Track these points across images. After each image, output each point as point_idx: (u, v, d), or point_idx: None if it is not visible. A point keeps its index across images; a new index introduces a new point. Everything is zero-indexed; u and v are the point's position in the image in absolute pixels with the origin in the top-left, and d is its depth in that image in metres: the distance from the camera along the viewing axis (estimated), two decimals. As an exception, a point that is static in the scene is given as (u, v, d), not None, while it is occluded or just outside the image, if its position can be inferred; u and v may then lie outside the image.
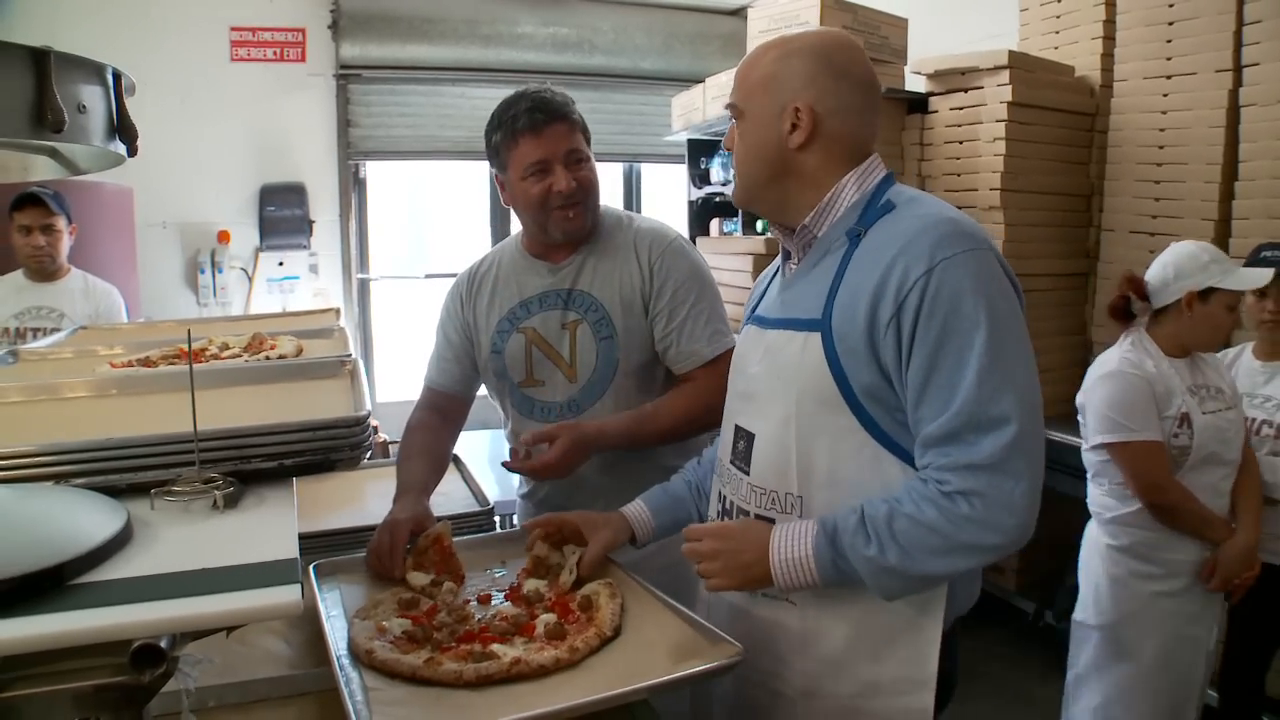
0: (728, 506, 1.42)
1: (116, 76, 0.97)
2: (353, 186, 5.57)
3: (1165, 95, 3.39)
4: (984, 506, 1.14)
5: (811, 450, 1.28)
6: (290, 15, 5.22)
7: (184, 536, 1.06)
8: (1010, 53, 3.54)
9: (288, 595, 0.87)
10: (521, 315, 1.94)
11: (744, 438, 1.38)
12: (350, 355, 1.86)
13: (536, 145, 1.79)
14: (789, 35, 1.34)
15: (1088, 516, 2.67)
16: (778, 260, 1.52)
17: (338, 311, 2.73)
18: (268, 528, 1.08)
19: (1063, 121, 3.71)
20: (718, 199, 5.43)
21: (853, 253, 1.26)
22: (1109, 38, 3.68)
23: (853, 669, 1.30)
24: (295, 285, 5.35)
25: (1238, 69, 3.16)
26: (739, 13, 6.21)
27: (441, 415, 2.02)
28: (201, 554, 0.99)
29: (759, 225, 4.90)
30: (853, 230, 1.28)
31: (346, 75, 5.40)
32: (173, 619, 0.84)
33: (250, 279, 5.26)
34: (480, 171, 5.97)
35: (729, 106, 1.38)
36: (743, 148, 1.36)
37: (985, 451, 1.14)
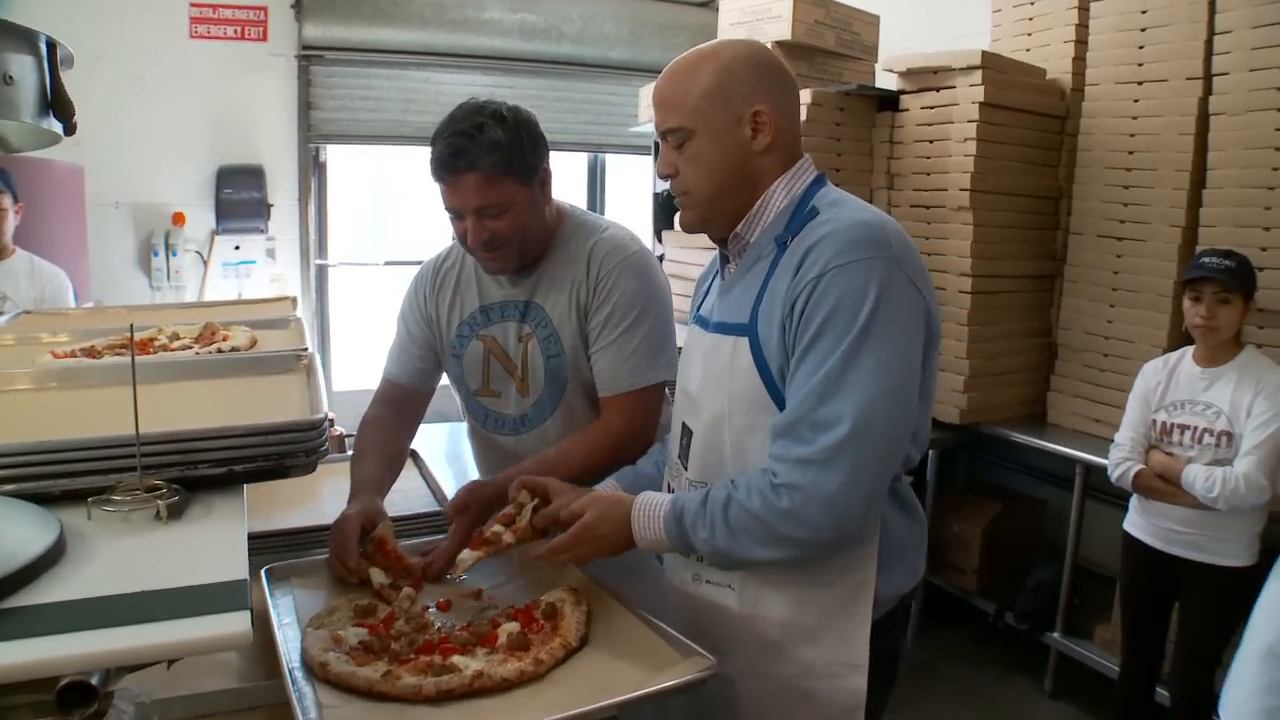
0: None
1: (51, 46, 0.87)
2: (312, 170, 5.42)
3: (1136, 101, 3.37)
4: (803, 501, 1.18)
5: (744, 448, 1.32)
6: (252, -8, 5.06)
7: (123, 552, 0.96)
8: (983, 53, 3.50)
9: (236, 625, 0.79)
10: (481, 322, 1.87)
11: (687, 434, 1.43)
12: (306, 350, 1.77)
13: (448, 193, 1.68)
14: (707, 49, 1.34)
15: (1049, 518, 2.67)
16: (716, 259, 1.53)
17: (294, 301, 2.61)
18: (215, 543, 0.99)
19: (1033, 123, 3.69)
20: (684, 192, 5.36)
21: (779, 259, 1.28)
22: (1081, 41, 3.65)
23: (790, 651, 1.34)
24: (252, 270, 5.18)
25: (1208, 77, 3.14)
26: (708, 4, 6.14)
27: (398, 410, 1.94)
28: (141, 574, 0.90)
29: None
30: (780, 237, 1.30)
31: (309, 56, 5.24)
32: (106, 653, 0.75)
33: (205, 263, 5.09)
34: None
35: (669, 132, 1.34)
36: (699, 168, 1.33)
37: (813, 448, 1.17)
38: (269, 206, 5.19)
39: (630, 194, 6.36)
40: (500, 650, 1.29)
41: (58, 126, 0.92)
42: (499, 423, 1.90)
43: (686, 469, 1.43)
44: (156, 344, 1.94)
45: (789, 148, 1.36)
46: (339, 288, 5.68)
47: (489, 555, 1.43)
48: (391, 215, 6.21)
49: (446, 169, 1.64)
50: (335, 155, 5.60)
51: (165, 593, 0.85)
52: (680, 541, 1.31)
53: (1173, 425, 2.72)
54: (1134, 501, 2.85)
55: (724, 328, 1.36)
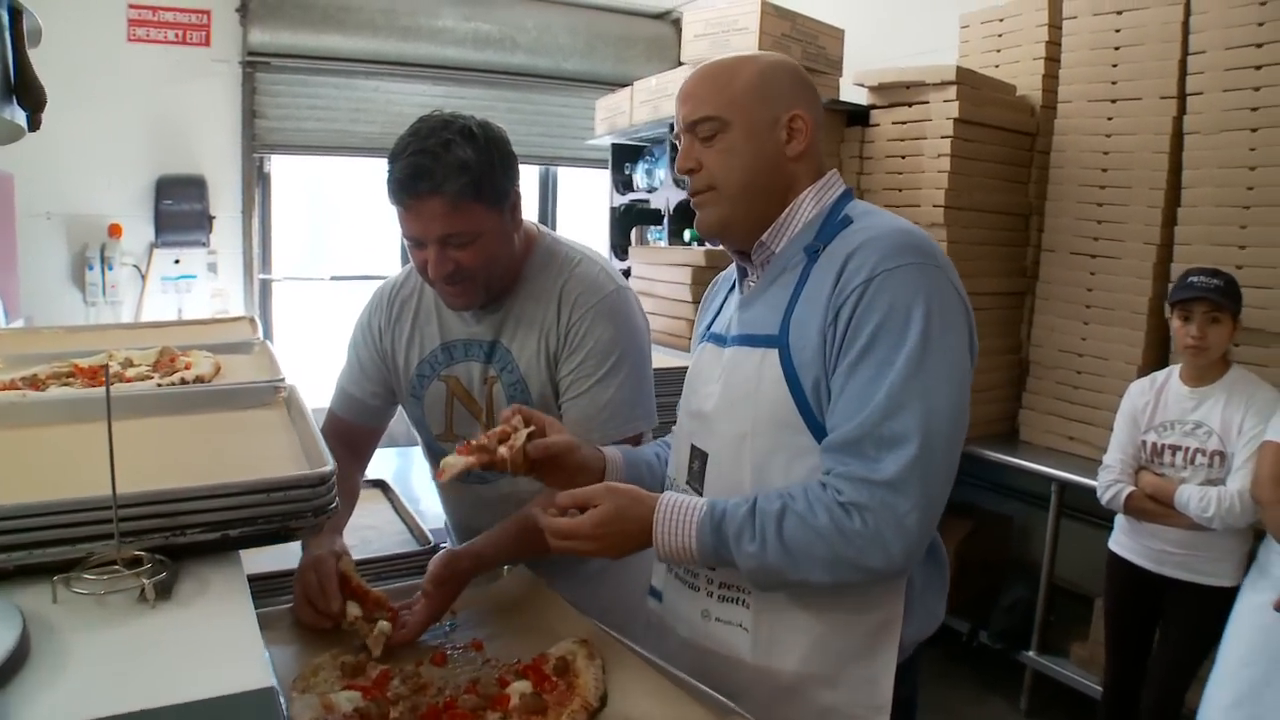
0: None
1: (14, 13, 0.67)
2: (256, 181, 5.18)
3: (1109, 119, 3.33)
4: (877, 525, 1.10)
5: (767, 469, 1.23)
6: (195, -5, 4.79)
7: (103, 651, 0.77)
8: (958, 69, 3.44)
9: (267, 758, 0.61)
10: (444, 360, 1.70)
11: (699, 457, 1.34)
12: (283, 380, 1.56)
13: (408, 219, 1.49)
14: (742, 55, 1.30)
15: (1019, 535, 2.67)
16: (728, 274, 1.48)
17: (254, 321, 2.39)
18: (220, 632, 0.80)
19: (1005, 140, 3.64)
20: (641, 206, 5.23)
21: (810, 269, 1.23)
22: (1051, 59, 3.62)
23: (808, 695, 1.25)
24: (192, 285, 4.90)
25: (1182, 97, 3.12)
26: (664, 17, 6.04)
27: (348, 447, 1.77)
28: (131, 683, 0.70)
29: (686, 235, 4.73)
30: (811, 246, 1.24)
31: (254, 63, 4.99)
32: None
33: (144, 277, 4.78)
34: None
35: (700, 122, 1.27)
36: (731, 162, 1.26)
37: (883, 468, 1.10)
38: (211, 219, 4.94)
39: (584, 208, 6.21)
40: (514, 713, 1.17)
41: (20, 117, 0.72)
42: (465, 471, 1.73)
43: (702, 493, 1.32)
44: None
45: (817, 161, 1.32)
46: (283, 303, 5.43)
47: (480, 464, 1.28)
48: (337, 228, 5.98)
49: (407, 192, 1.45)
50: (280, 166, 5.37)
51: (168, 713, 0.66)
52: (714, 553, 1.19)
53: (1163, 446, 2.68)
54: (1120, 521, 2.81)
55: (749, 340, 1.27)
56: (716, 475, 1.30)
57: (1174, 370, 2.74)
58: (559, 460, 1.32)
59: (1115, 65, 3.30)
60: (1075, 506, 3.36)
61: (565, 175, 6.27)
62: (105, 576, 0.87)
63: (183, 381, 1.62)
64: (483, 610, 1.53)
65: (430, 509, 2.16)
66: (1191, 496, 2.53)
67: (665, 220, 4.82)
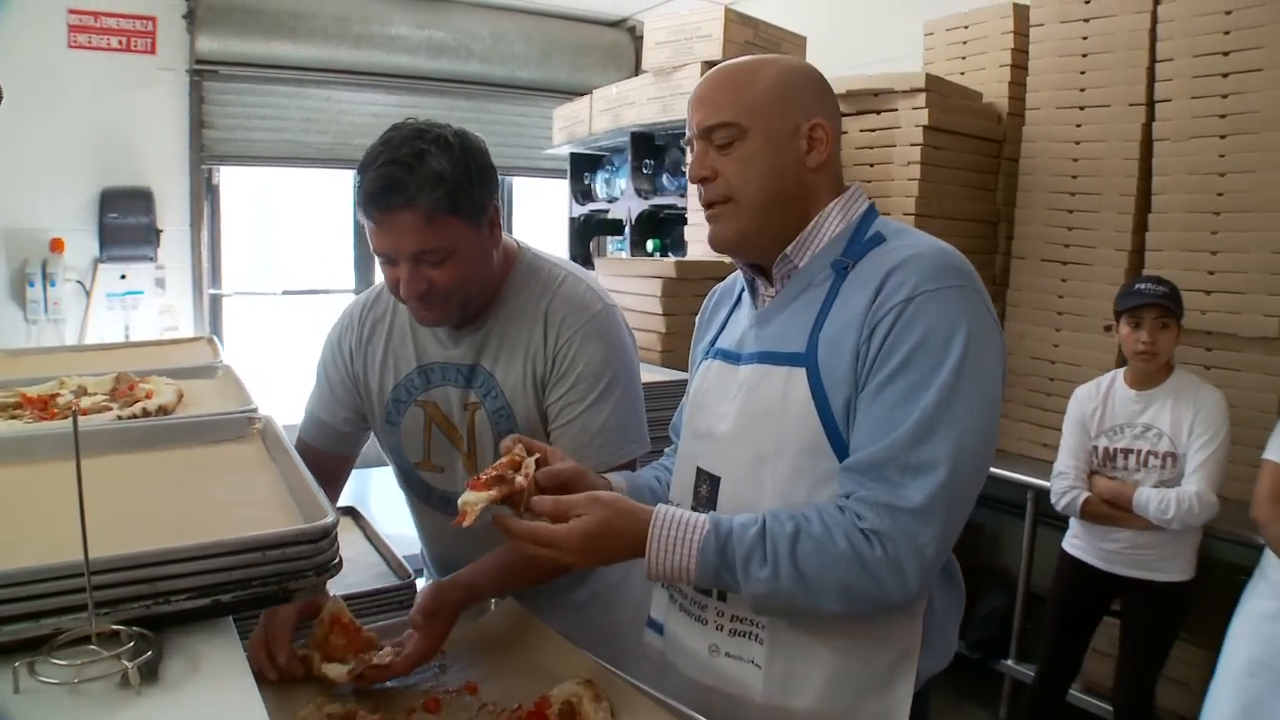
0: None
1: None
2: (205, 193, 4.99)
3: (1078, 126, 3.32)
4: (898, 554, 1.05)
5: (791, 495, 1.15)
6: (139, 1, 4.56)
7: (83, 754, 0.64)
8: (927, 75, 3.39)
9: None
10: (420, 385, 1.59)
11: (707, 481, 1.26)
12: (255, 410, 1.43)
13: (379, 234, 1.38)
14: (760, 57, 1.24)
15: (991, 543, 2.69)
16: (728, 287, 1.42)
17: (212, 341, 2.25)
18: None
19: (973, 147, 3.61)
20: (601, 216, 5.14)
21: (839, 286, 1.17)
22: (1018, 66, 3.60)
23: None
24: (139, 301, 4.69)
25: (1150, 104, 3.11)
26: (620, 25, 5.96)
27: (319, 476, 1.60)
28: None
29: (649, 245, 4.64)
30: (839, 262, 1.18)
31: (202, 71, 4.80)
32: None
33: (88, 293, 4.55)
34: (344, 180, 5.51)
35: (716, 129, 1.19)
36: (750, 171, 1.19)
37: (909, 495, 1.05)
38: (158, 232, 4.74)
39: (542, 219, 6.10)
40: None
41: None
42: (445, 501, 1.62)
43: None
44: (59, 400, 1.57)
45: (837, 173, 1.26)
46: (234, 319, 5.25)
47: (501, 497, 1.13)
48: (288, 241, 5.81)
49: (377, 205, 1.34)
50: (229, 177, 5.20)
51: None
52: (716, 575, 1.11)
53: (1115, 450, 2.71)
54: (1074, 524, 2.85)
55: (771, 358, 1.20)
56: (731, 500, 1.22)
57: (1118, 375, 2.77)
58: (569, 488, 1.21)
59: (1083, 72, 3.28)
60: (1050, 514, 3.32)
61: (521, 185, 6.18)
62: (79, 659, 0.74)
63: (144, 413, 1.48)
64: (472, 648, 1.43)
65: (403, 534, 2.04)
66: (1150, 499, 2.56)
67: (627, 231, 4.74)
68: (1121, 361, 3.16)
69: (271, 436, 1.33)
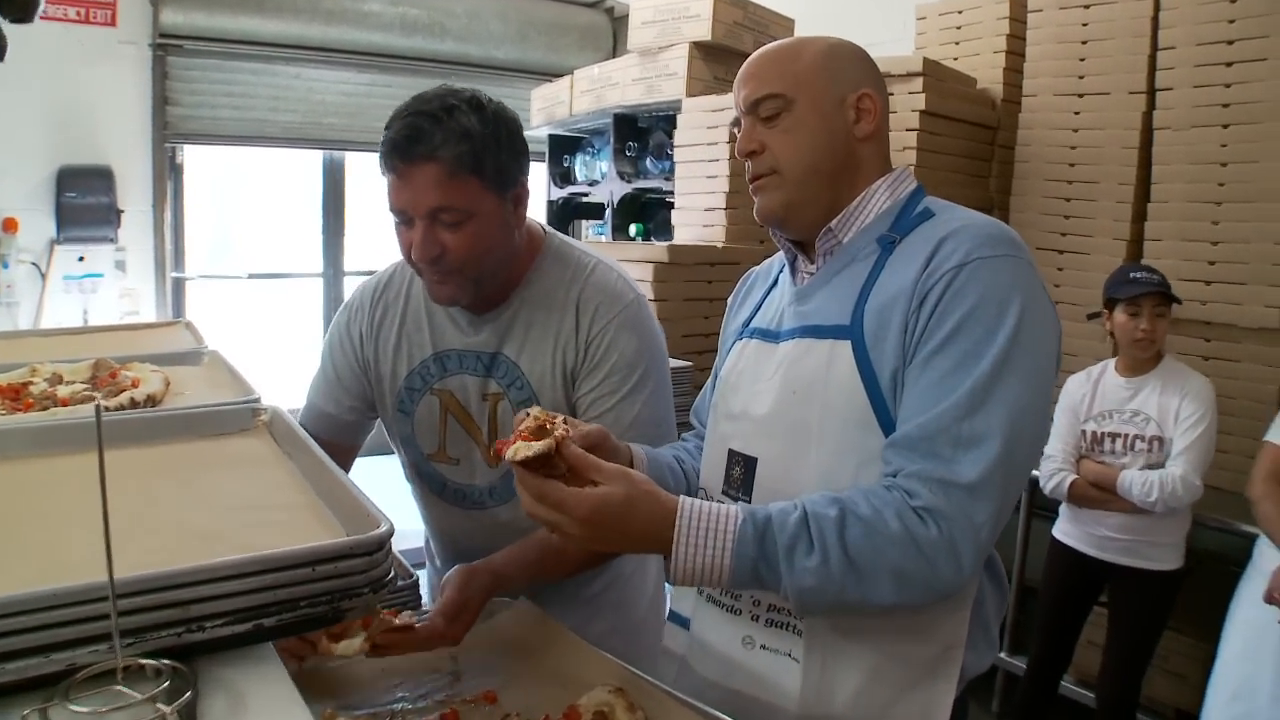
0: None
1: None
2: (168, 172, 4.82)
3: (1076, 113, 3.27)
4: (950, 532, 0.99)
5: (834, 474, 1.09)
6: (99, -29, 4.37)
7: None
8: (924, 60, 3.32)
9: None
10: (436, 373, 1.52)
11: (740, 463, 1.20)
12: (258, 400, 1.31)
13: (397, 190, 1.33)
14: (808, 35, 1.24)
15: None
16: (765, 269, 1.41)
17: (191, 326, 2.09)
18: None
19: (967, 133, 3.55)
20: (580, 200, 5.03)
21: (886, 259, 1.14)
22: (1013, 52, 3.55)
23: None
24: (99, 284, 4.49)
25: (1151, 92, 3.07)
26: (598, 5, 5.86)
27: None
28: None
29: (632, 230, 4.54)
30: (885, 237, 1.16)
31: (166, 45, 4.60)
32: None
33: (44, 276, 4.35)
34: (313, 161, 5.37)
35: (762, 101, 1.18)
36: (796, 141, 1.17)
37: (962, 470, 1.00)
38: (119, 213, 4.54)
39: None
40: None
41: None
42: (460, 495, 1.55)
43: (750, 503, 1.15)
44: (31, 389, 1.42)
45: (885, 149, 1.24)
46: (197, 304, 5.11)
47: (548, 449, 1.00)
48: (255, 223, 5.67)
49: (400, 154, 1.30)
50: (194, 157, 5.05)
51: None
52: (754, 571, 1.00)
53: (1103, 434, 2.73)
54: (1064, 510, 2.85)
55: (814, 331, 1.16)
56: (769, 483, 1.16)
57: (1109, 363, 2.80)
58: (600, 449, 1.15)
59: (1083, 59, 3.23)
60: (1044, 506, 3.28)
61: None
62: (105, 703, 0.61)
63: (132, 403, 1.34)
64: (486, 653, 1.32)
65: (407, 528, 1.91)
66: (1134, 481, 2.56)
67: (608, 214, 4.63)
68: (1116, 352, 3.15)
69: (281, 429, 1.21)
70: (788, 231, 1.24)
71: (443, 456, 1.53)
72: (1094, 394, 2.76)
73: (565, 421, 1.05)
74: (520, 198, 1.40)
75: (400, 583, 1.59)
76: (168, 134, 4.74)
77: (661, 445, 1.44)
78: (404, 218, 1.34)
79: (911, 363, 1.07)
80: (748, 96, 1.19)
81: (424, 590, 1.72)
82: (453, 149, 1.28)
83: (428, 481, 1.58)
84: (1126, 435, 2.67)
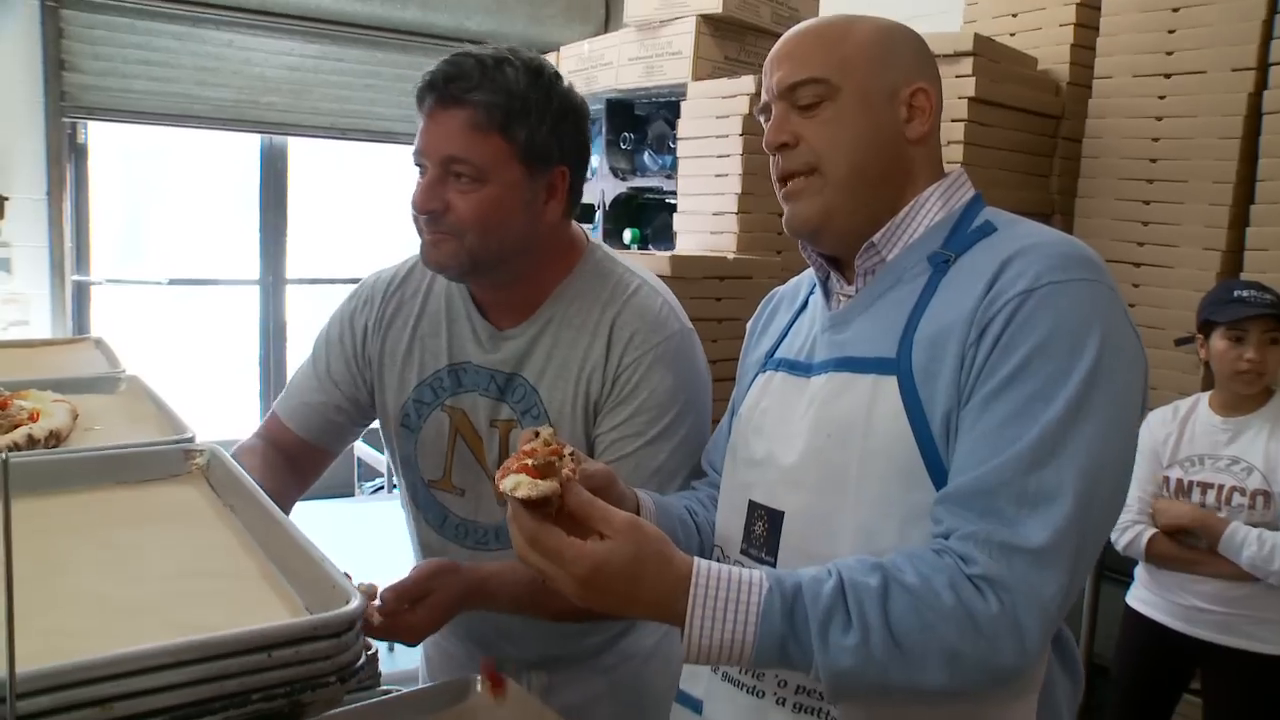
0: None
1: None
2: (68, 154, 4.87)
3: (1162, 98, 3.24)
4: (1013, 607, 0.97)
5: (873, 535, 1.09)
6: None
7: None
8: (975, 37, 3.31)
9: None
10: (450, 387, 1.58)
11: (764, 517, 1.21)
12: (193, 440, 1.30)
13: (423, 131, 1.42)
14: (852, 15, 1.24)
15: None
16: (792, 290, 1.43)
17: (102, 344, 2.04)
18: None
19: (1025, 124, 3.53)
20: (564, 197, 5.02)
21: (939, 281, 1.15)
22: (1083, 25, 3.53)
23: None
24: (-24, 287, 4.54)
25: (1262, 68, 3.03)
26: (589, -29, 5.89)
27: (287, 458, 1.65)
28: None
29: (626, 236, 4.52)
30: (938, 255, 1.17)
31: (59, -2, 4.66)
32: None
33: (-92, 277, 4.38)
34: (249, 145, 5.36)
35: (800, 86, 1.19)
36: (840, 135, 1.18)
37: (1028, 533, 0.98)
38: (2, 201, 4.56)
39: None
40: None
41: None
42: (462, 531, 1.60)
43: (774, 564, 1.18)
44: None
45: (937, 154, 1.26)
46: (104, 314, 5.13)
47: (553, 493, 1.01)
48: (177, 219, 5.69)
49: (434, 91, 1.39)
50: (101, 136, 5.09)
51: None
52: (781, 649, 0.99)
53: (1190, 483, 2.66)
54: (1140, 572, 2.80)
55: (853, 365, 1.17)
56: (798, 540, 1.17)
57: (1201, 398, 2.74)
58: (604, 492, 1.15)
59: (1173, 31, 3.21)
60: (1117, 568, 3.26)
61: None
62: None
63: (31, 442, 1.29)
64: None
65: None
66: (1248, 538, 2.47)
67: (598, 217, 4.62)
68: (1208, 384, 3.12)
69: (221, 475, 1.19)
70: (821, 244, 1.25)
71: (447, 485, 1.59)
72: (1181, 434, 2.69)
73: (573, 455, 1.06)
74: (554, 187, 1.46)
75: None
76: (65, 107, 4.77)
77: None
78: (421, 163, 1.41)
79: (968, 404, 1.06)
80: (783, 79, 1.19)
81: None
82: (486, 97, 1.36)
83: (426, 513, 1.63)
84: (1222, 486, 2.59)
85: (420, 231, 1.45)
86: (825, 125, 1.18)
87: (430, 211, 1.40)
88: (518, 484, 0.98)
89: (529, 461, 1.01)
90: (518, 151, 1.40)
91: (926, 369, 1.10)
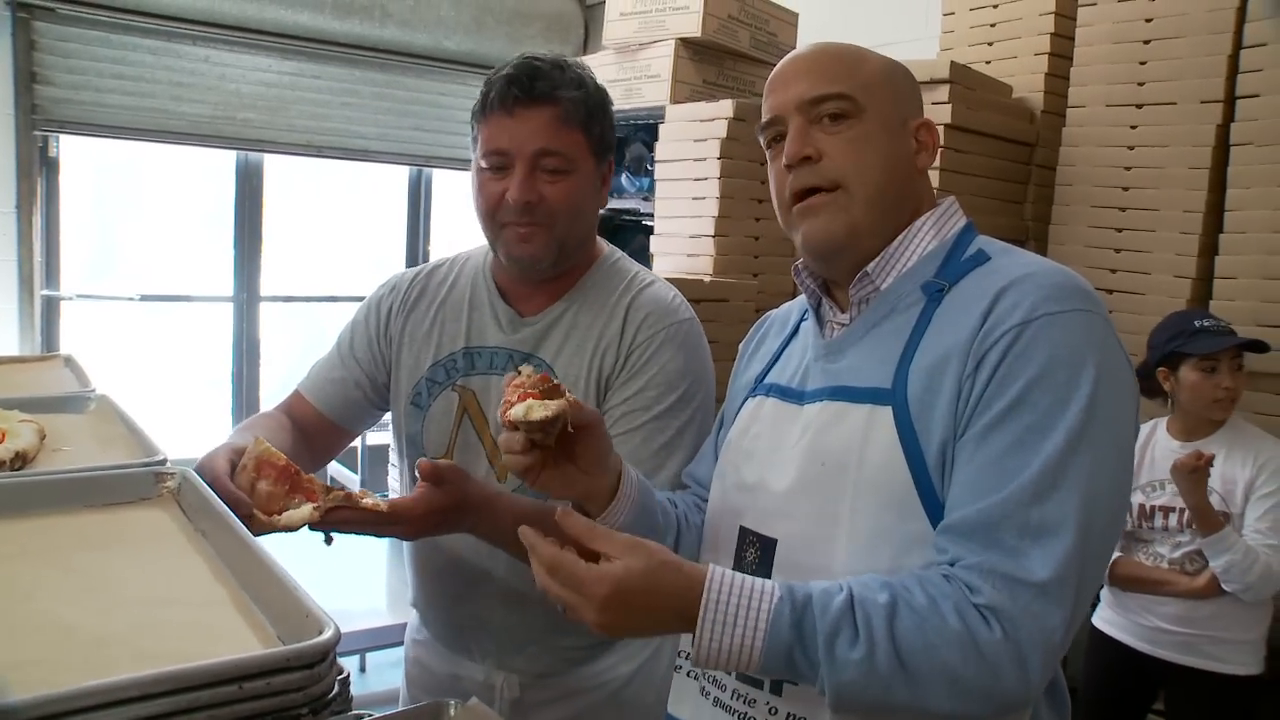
0: None
1: None
2: (39, 168, 4.82)
3: (1134, 127, 3.29)
4: (1017, 638, 0.98)
5: (866, 566, 1.09)
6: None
7: None
8: (952, 65, 3.35)
9: None
10: (464, 368, 1.65)
11: (755, 544, 1.22)
12: (165, 463, 1.28)
13: (503, 129, 1.49)
14: (860, 45, 1.26)
15: None
16: (783, 314, 1.44)
17: (71, 361, 2.03)
18: None
19: (1000, 151, 3.57)
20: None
21: (934, 311, 1.16)
22: (1058, 54, 3.58)
23: None
24: (-60, 302, 4.48)
25: (1230, 100, 3.09)
26: (566, -9, 5.92)
27: (303, 433, 1.68)
28: None
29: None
30: (932, 284, 1.17)
31: (31, 7, 4.58)
32: None
33: None
34: (225, 163, 5.34)
35: (825, 100, 1.18)
36: (868, 155, 1.18)
37: (1032, 565, 0.99)
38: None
39: (465, 221, 6.00)
40: None
41: None
42: None
43: None
44: None
45: (930, 184, 1.29)
46: (74, 331, 5.08)
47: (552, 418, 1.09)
48: (151, 234, 5.64)
49: (521, 88, 1.47)
50: (73, 150, 5.06)
51: None
52: (788, 658, 1.00)
53: (1153, 508, 2.69)
54: (1105, 593, 2.82)
55: (848, 394, 1.17)
56: (791, 569, 1.17)
57: (1159, 423, 2.77)
58: (590, 432, 1.20)
59: (1144, 62, 3.25)
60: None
61: (445, 181, 6.15)
62: None
63: (-2, 464, 1.29)
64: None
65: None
66: (1236, 545, 2.48)
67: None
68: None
69: (193, 498, 1.16)
70: (838, 265, 1.23)
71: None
72: (1142, 460, 2.72)
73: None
74: (606, 177, 1.61)
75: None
76: (37, 119, 4.73)
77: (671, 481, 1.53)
78: (501, 161, 1.49)
79: (965, 435, 1.07)
80: (804, 92, 1.19)
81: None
82: (570, 93, 1.48)
83: None
84: (1182, 510, 2.60)
85: (500, 229, 1.53)
86: (851, 143, 1.18)
87: (528, 202, 1.47)
88: (529, 407, 1.03)
89: (531, 389, 1.08)
90: (593, 145, 1.53)
91: (922, 400, 1.10)
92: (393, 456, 1.78)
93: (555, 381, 1.11)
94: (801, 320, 1.34)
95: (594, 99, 1.53)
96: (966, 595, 1.00)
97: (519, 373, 1.11)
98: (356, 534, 1.33)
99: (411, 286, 1.72)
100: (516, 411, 1.03)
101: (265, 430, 1.53)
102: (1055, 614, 0.99)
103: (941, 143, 3.25)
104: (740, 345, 1.48)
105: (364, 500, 1.30)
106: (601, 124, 1.55)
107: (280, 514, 1.27)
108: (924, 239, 1.21)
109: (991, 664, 0.98)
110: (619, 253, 1.70)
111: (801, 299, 1.33)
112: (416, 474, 1.36)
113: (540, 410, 1.02)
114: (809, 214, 1.20)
